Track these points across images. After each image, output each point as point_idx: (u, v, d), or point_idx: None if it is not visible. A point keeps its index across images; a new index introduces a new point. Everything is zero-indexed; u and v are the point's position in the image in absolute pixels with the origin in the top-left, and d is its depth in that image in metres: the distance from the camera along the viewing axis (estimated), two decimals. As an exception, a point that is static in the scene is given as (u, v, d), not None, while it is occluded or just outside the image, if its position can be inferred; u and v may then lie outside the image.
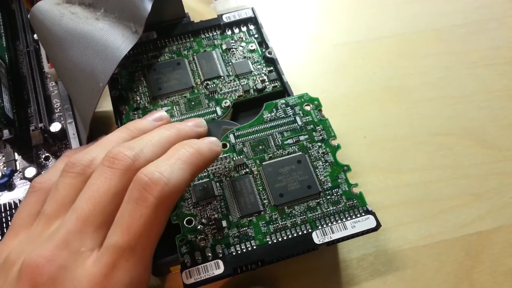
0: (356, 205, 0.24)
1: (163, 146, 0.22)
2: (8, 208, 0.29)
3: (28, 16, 0.29)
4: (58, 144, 0.31)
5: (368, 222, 0.24)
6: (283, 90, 0.29)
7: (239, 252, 0.23)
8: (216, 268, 0.22)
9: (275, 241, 0.23)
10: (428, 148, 0.32)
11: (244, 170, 0.25)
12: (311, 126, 0.27)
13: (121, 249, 0.19)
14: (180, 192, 0.21)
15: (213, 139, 0.24)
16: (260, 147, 0.26)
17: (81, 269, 0.19)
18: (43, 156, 0.31)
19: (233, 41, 0.31)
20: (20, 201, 0.29)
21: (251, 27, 0.32)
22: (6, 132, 0.30)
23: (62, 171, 0.22)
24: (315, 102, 0.28)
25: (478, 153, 0.32)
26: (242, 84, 0.29)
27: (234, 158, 0.26)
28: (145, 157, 0.21)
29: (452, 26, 0.39)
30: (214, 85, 0.29)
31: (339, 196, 0.25)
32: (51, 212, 0.21)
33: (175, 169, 0.20)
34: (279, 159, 0.26)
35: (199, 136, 0.25)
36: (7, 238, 0.22)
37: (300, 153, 0.26)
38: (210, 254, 0.23)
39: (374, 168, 0.31)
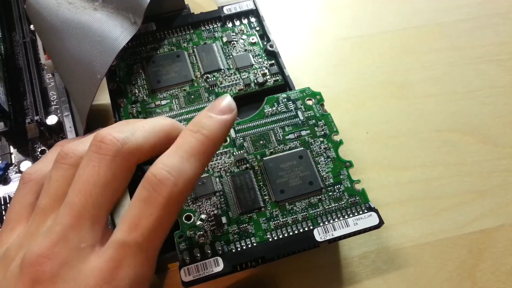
0: (359, 202, 0.24)
1: (157, 134, 0.21)
2: (3, 202, 0.28)
3: (24, 6, 0.28)
4: (54, 138, 0.30)
5: (370, 219, 0.23)
6: (285, 84, 0.29)
7: (239, 249, 0.23)
8: (216, 265, 0.22)
9: (275, 238, 0.23)
10: (431, 145, 0.32)
11: (245, 166, 0.25)
12: (313, 121, 0.26)
13: (128, 246, 0.18)
14: (191, 187, 0.20)
15: (225, 102, 0.22)
16: (261, 142, 0.26)
17: (84, 264, 0.18)
18: (39, 149, 0.30)
19: (234, 34, 0.31)
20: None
21: (252, 19, 0.31)
22: (1, 125, 0.29)
23: (54, 162, 0.21)
24: (317, 97, 0.27)
25: (482, 150, 0.32)
26: (242, 77, 0.29)
27: (235, 153, 0.25)
28: (136, 141, 0.20)
29: (456, 21, 0.38)
30: (214, 78, 0.29)
31: (341, 193, 0.24)
32: (45, 206, 0.20)
33: (184, 165, 0.19)
34: (280, 154, 0.25)
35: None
36: (2, 233, 0.21)
37: (302, 148, 0.25)
38: (209, 251, 0.22)
39: (376, 165, 0.31)
